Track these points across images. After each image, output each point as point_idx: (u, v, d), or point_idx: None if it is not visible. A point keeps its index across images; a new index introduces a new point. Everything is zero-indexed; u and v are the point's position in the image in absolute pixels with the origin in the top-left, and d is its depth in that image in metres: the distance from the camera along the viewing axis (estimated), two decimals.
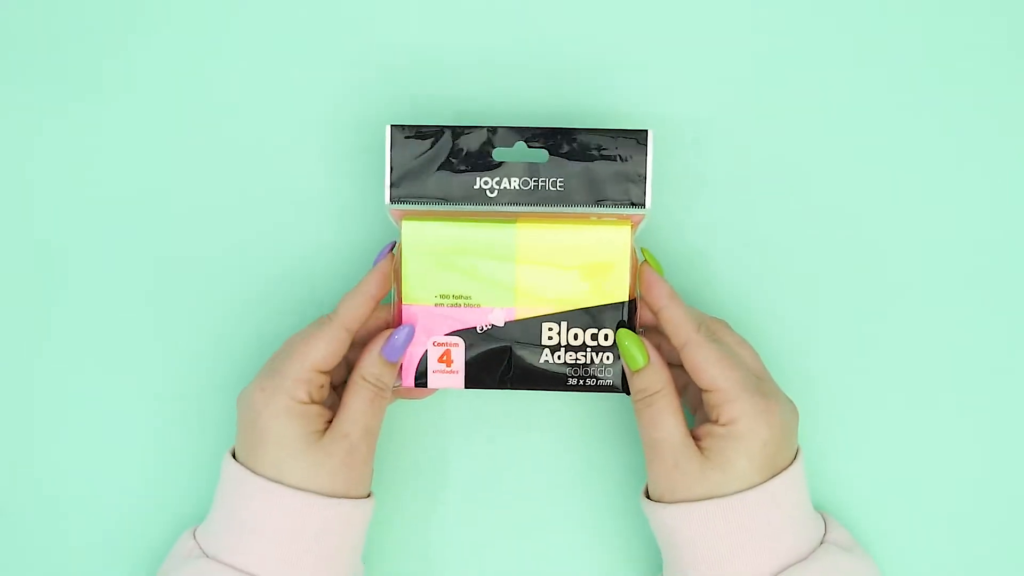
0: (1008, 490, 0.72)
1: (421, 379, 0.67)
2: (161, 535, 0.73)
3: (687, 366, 0.65)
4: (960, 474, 0.72)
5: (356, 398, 0.65)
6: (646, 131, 0.66)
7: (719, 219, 0.72)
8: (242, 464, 0.65)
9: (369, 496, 0.67)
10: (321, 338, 0.65)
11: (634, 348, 0.65)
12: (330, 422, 0.66)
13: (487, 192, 0.66)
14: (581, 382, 0.67)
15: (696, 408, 0.69)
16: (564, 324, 0.66)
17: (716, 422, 0.64)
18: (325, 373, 0.66)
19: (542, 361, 0.67)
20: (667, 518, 0.65)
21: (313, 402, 0.65)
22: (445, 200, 0.66)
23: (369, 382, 0.66)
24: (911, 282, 0.72)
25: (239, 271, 0.72)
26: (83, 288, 0.73)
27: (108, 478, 0.73)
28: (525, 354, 0.67)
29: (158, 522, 0.73)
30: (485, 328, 0.67)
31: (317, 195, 0.72)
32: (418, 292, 0.66)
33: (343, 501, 0.65)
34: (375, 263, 0.67)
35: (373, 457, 0.66)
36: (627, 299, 0.66)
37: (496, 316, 0.66)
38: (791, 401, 0.66)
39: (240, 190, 0.72)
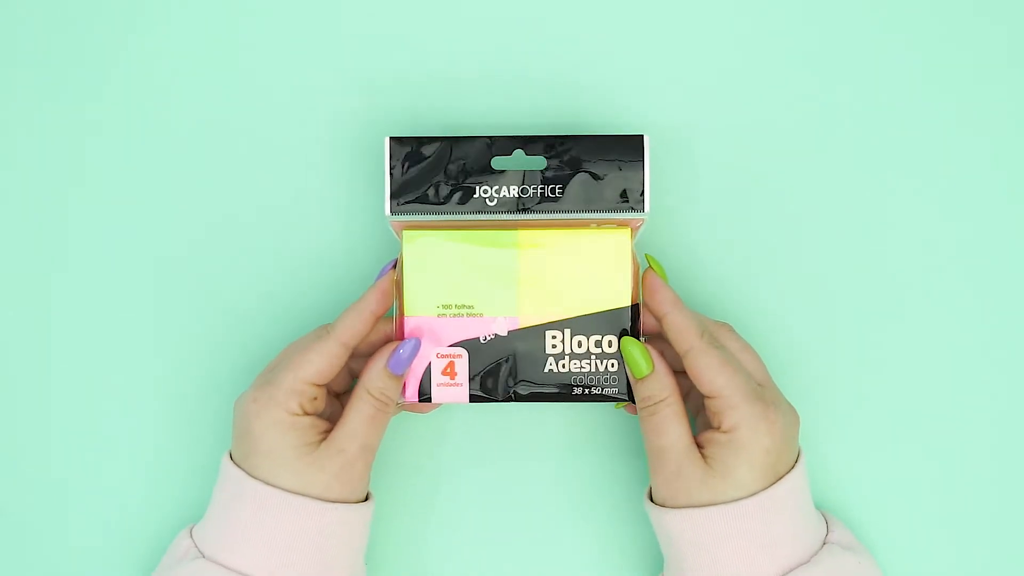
0: (1008, 491, 0.73)
1: (425, 393, 0.66)
2: (160, 535, 0.72)
3: (689, 372, 0.65)
4: (960, 475, 0.73)
5: (357, 412, 0.65)
6: (642, 136, 0.66)
7: (718, 221, 0.72)
8: (238, 466, 0.65)
9: (367, 499, 0.67)
10: (316, 352, 0.65)
11: (638, 355, 0.65)
12: (328, 432, 0.66)
13: (487, 201, 0.66)
14: (586, 391, 0.67)
15: (698, 413, 0.69)
16: (568, 332, 0.66)
17: (718, 429, 0.64)
18: (319, 386, 0.65)
19: (546, 370, 0.66)
20: (669, 522, 0.65)
21: (306, 414, 0.65)
22: (445, 210, 0.66)
23: (373, 396, 0.65)
24: (912, 284, 0.72)
25: (241, 273, 0.72)
26: (84, 289, 0.73)
27: (108, 477, 0.73)
28: (529, 363, 0.66)
29: (157, 522, 0.72)
30: (488, 338, 0.66)
31: (318, 203, 0.72)
32: (420, 303, 0.66)
33: (339, 506, 0.65)
34: (377, 280, 0.67)
35: (370, 469, 0.66)
36: (629, 304, 0.66)
37: (499, 325, 0.66)
38: (792, 407, 0.66)
39: (241, 198, 0.72)
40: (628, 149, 0.66)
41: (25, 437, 0.73)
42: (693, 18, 0.72)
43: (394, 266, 0.67)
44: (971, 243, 0.72)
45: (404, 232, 0.66)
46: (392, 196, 0.66)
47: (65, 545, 0.73)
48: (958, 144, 0.72)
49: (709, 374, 0.64)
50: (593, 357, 0.67)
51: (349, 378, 0.69)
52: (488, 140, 0.66)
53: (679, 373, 0.67)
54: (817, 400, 0.72)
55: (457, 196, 0.66)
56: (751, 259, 0.72)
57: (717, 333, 0.67)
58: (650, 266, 0.67)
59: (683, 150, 0.72)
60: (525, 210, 0.66)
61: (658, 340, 0.68)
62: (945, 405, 0.72)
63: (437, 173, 0.66)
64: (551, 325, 0.66)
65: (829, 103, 0.72)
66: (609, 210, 0.66)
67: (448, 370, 0.66)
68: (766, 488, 0.64)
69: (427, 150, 0.66)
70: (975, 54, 0.72)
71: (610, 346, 0.67)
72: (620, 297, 0.66)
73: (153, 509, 0.73)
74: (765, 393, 0.65)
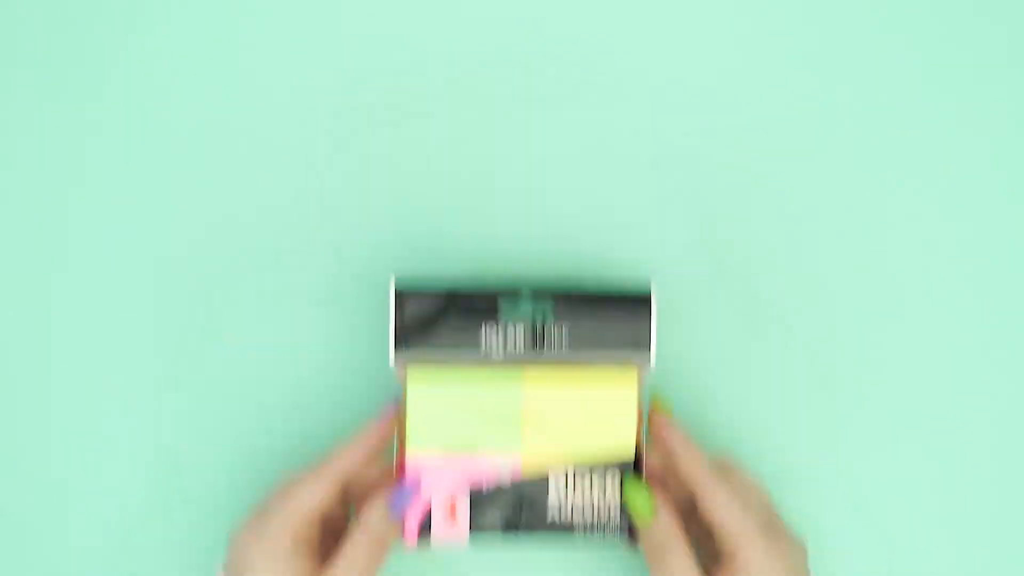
0: (1008, 491, 0.73)
1: (424, 535, 0.66)
2: (161, 535, 0.73)
3: (700, 508, 0.65)
4: (960, 475, 0.73)
5: (355, 550, 0.65)
6: (649, 294, 0.66)
7: (718, 221, 0.72)
8: None
9: None
10: (309, 485, 0.65)
11: (642, 504, 0.65)
12: (324, 559, 0.66)
13: (493, 348, 0.66)
14: (589, 533, 0.66)
15: (702, 542, 0.69)
16: (571, 478, 0.66)
17: (729, 565, 0.64)
18: (314, 519, 0.65)
19: (549, 519, 0.66)
20: None
21: (301, 547, 0.65)
22: (450, 357, 0.66)
23: (372, 535, 0.65)
24: (912, 284, 0.72)
25: (241, 274, 0.72)
26: (84, 289, 0.73)
27: (108, 477, 0.73)
28: (532, 510, 0.66)
29: (157, 522, 0.73)
30: (491, 485, 0.66)
31: (318, 204, 0.73)
32: (422, 443, 0.66)
33: None
34: (379, 416, 0.67)
35: None
36: (633, 457, 0.66)
37: (503, 471, 0.66)
38: (801, 541, 0.66)
39: (241, 198, 0.72)
40: (636, 304, 0.66)
41: (25, 437, 0.73)
42: (693, 18, 0.72)
43: (396, 403, 0.67)
44: (971, 243, 0.72)
45: (408, 371, 0.66)
46: (396, 342, 0.66)
47: (65, 545, 0.73)
48: (958, 144, 0.72)
49: (720, 511, 0.64)
50: (597, 504, 0.66)
51: (346, 506, 0.69)
52: (495, 288, 0.66)
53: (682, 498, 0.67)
54: (817, 400, 0.72)
55: (463, 343, 0.66)
56: (751, 259, 0.72)
57: (724, 468, 0.67)
58: (657, 404, 0.67)
59: (682, 151, 0.72)
60: (531, 358, 0.66)
61: (664, 467, 0.68)
62: (945, 405, 0.72)
63: (442, 319, 0.66)
64: (554, 471, 0.66)
65: (829, 103, 0.72)
66: (615, 358, 0.66)
67: (448, 511, 0.66)
68: None
69: (433, 296, 0.66)
70: (975, 54, 0.72)
71: (614, 492, 0.66)
72: (624, 451, 0.66)
73: (153, 509, 0.73)
74: (774, 529, 0.65)
